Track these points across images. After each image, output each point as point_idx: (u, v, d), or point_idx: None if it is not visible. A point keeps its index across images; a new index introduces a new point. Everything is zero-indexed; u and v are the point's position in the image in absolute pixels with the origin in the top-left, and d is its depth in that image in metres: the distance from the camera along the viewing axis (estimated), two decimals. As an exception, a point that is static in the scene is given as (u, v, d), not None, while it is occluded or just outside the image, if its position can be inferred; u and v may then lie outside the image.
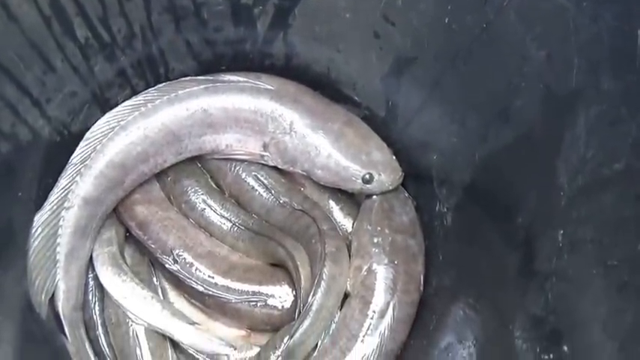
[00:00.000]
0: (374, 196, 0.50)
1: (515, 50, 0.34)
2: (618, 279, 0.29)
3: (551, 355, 0.33)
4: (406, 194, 0.51)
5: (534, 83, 0.34)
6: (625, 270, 0.28)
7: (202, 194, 0.53)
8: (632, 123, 0.28)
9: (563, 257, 0.32)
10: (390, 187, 0.49)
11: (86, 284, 0.51)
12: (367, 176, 0.48)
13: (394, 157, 0.50)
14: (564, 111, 0.32)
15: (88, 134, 0.48)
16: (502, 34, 0.35)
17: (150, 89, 0.49)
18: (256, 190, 0.53)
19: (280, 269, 0.51)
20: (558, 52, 0.32)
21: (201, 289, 0.50)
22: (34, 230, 0.46)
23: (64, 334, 0.49)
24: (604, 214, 0.30)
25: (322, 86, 0.51)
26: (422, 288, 0.48)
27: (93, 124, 0.48)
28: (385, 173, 0.49)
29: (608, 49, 0.29)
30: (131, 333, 0.50)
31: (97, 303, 0.51)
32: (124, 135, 0.48)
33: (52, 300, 0.48)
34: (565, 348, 0.31)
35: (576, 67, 0.31)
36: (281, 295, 0.50)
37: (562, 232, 0.33)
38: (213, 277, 0.50)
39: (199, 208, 0.53)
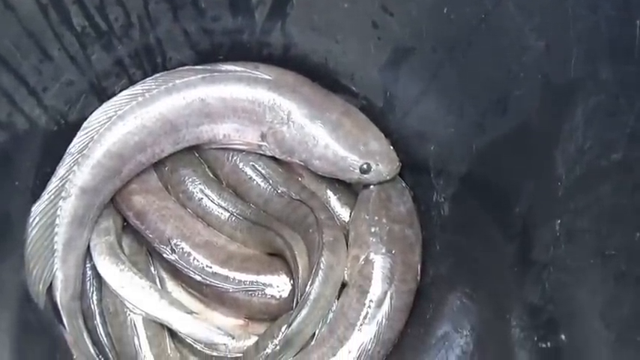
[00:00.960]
0: (371, 186, 0.50)
1: (514, 40, 0.34)
2: (616, 269, 0.29)
3: (549, 344, 0.33)
4: (403, 184, 0.51)
5: (533, 73, 0.34)
6: (622, 260, 0.29)
7: (200, 184, 0.53)
8: (630, 114, 0.28)
9: (561, 247, 0.33)
10: (388, 178, 0.49)
11: (84, 274, 0.51)
12: (365, 166, 0.48)
13: (392, 148, 0.50)
14: (562, 101, 0.32)
15: (85, 124, 0.48)
16: (501, 25, 0.35)
17: (147, 79, 0.49)
18: (254, 180, 0.52)
19: (278, 259, 0.51)
20: (557, 43, 0.32)
21: (199, 278, 0.50)
22: (31, 220, 0.46)
23: (62, 324, 0.49)
24: (601, 204, 0.30)
25: (320, 76, 0.51)
26: (419, 277, 0.48)
27: (90, 114, 0.48)
28: (383, 163, 0.49)
29: (606, 39, 0.29)
30: (129, 322, 0.50)
31: (94, 292, 0.51)
32: (122, 124, 0.48)
33: (50, 290, 0.48)
34: (562, 337, 0.32)
35: (575, 57, 0.31)
36: (279, 285, 0.50)
37: (559, 222, 0.33)
38: (211, 267, 0.50)
39: (197, 198, 0.53)
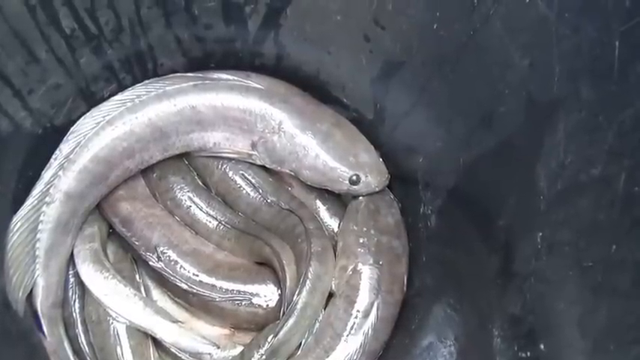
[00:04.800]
0: (360, 198, 0.51)
1: (500, 58, 0.35)
2: (593, 280, 0.30)
3: (529, 353, 0.34)
4: (392, 196, 0.52)
5: (517, 91, 0.35)
6: (599, 271, 0.29)
7: (188, 192, 0.53)
8: (609, 131, 0.29)
9: (542, 259, 0.33)
10: (377, 189, 0.50)
11: (66, 281, 0.50)
12: (354, 177, 0.49)
13: (381, 160, 0.51)
14: (545, 118, 0.33)
15: (73, 128, 0.47)
16: (488, 42, 0.36)
17: (137, 85, 0.49)
18: (243, 189, 0.53)
19: (266, 268, 0.51)
20: (541, 61, 0.33)
21: (185, 287, 0.49)
22: (12, 225, 0.45)
23: (42, 332, 0.48)
24: (581, 217, 0.31)
25: (312, 87, 0.51)
26: (405, 288, 0.49)
27: (78, 118, 0.48)
28: (372, 175, 0.49)
29: (588, 59, 0.30)
30: (112, 331, 0.49)
31: (77, 300, 0.50)
32: (110, 130, 0.47)
33: (30, 296, 0.47)
34: (542, 346, 0.32)
35: (557, 75, 0.32)
36: (266, 294, 0.50)
37: (541, 234, 0.33)
38: (197, 275, 0.50)
39: (185, 206, 0.52)
